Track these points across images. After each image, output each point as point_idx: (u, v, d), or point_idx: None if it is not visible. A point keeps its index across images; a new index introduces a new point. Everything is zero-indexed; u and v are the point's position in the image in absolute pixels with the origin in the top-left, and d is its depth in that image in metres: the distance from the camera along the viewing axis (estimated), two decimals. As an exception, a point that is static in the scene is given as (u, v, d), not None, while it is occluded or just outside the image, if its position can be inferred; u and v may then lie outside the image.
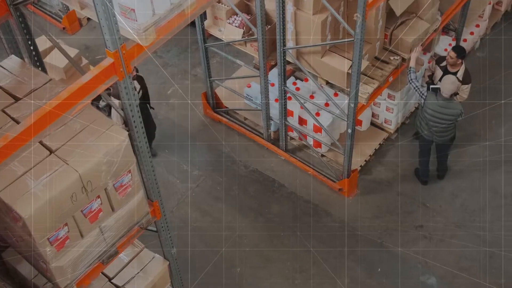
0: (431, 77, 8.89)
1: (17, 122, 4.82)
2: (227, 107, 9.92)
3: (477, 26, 10.62)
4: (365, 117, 9.38)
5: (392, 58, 8.28)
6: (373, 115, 9.62)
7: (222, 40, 8.75)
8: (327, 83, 8.18)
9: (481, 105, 9.57)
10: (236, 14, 8.41)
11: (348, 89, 7.68)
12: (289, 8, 7.63)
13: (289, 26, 7.84)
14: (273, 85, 8.99)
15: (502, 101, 9.41)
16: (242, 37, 8.40)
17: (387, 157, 9.45)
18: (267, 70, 8.44)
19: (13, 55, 5.57)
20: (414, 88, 8.23)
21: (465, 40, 10.37)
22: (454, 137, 8.85)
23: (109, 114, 9.48)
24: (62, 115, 4.44)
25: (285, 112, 8.84)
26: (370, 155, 9.37)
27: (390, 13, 8.05)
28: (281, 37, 7.79)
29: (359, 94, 7.74)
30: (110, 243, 5.45)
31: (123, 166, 5.03)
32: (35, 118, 4.28)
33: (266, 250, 8.48)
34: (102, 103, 9.26)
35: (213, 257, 8.37)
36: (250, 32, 8.35)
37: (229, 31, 8.51)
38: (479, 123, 9.51)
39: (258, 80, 8.69)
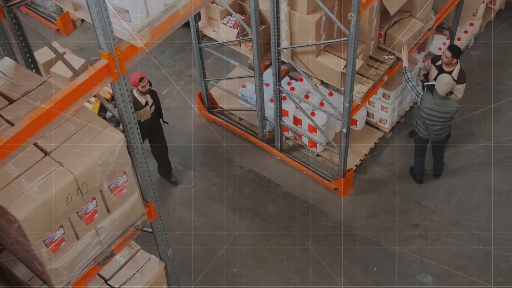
0: (426, 76, 8.90)
1: (12, 124, 4.81)
2: (222, 108, 9.91)
3: (471, 24, 10.63)
4: (360, 116, 9.39)
5: (386, 57, 8.29)
6: (368, 114, 9.63)
7: (217, 41, 8.75)
8: (322, 82, 8.18)
9: (476, 104, 9.59)
10: (230, 15, 8.40)
11: (343, 89, 7.69)
12: (283, 8, 7.63)
13: (283, 26, 7.84)
14: (268, 85, 8.99)
15: (492, 105, 9.42)
16: (237, 38, 8.40)
17: (382, 156, 9.46)
18: (262, 70, 8.44)
19: (7, 57, 5.57)
20: (411, 87, 8.24)
21: (459, 39, 10.39)
22: (449, 135, 8.87)
23: (117, 125, 9.47)
24: (57, 117, 4.43)
25: (280, 112, 8.84)
26: (365, 155, 9.37)
27: (384, 13, 8.06)
28: (276, 37, 7.79)
29: (354, 93, 7.75)
30: (106, 244, 5.44)
31: (118, 167, 5.03)
32: (29, 120, 4.27)
33: (262, 250, 8.48)
34: (109, 114, 9.25)
35: (210, 258, 8.37)
36: (245, 32, 8.34)
37: (223, 31, 8.51)
38: (474, 122, 9.52)
39: (253, 80, 8.68)
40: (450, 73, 8.49)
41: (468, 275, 8.08)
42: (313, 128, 8.94)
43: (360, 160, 9.30)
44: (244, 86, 9.57)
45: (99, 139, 4.88)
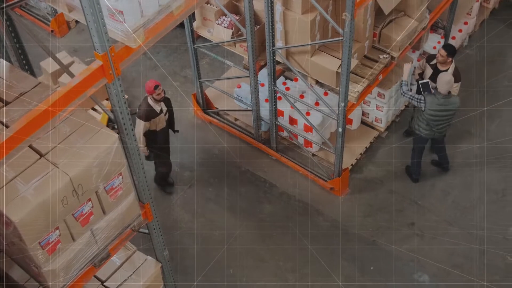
0: (421, 75, 8.91)
1: (6, 126, 4.80)
2: (217, 108, 9.91)
3: (466, 23, 10.65)
4: (355, 116, 9.39)
5: (381, 56, 8.30)
6: (363, 113, 9.64)
7: (211, 41, 8.74)
8: (317, 82, 8.18)
9: (471, 103, 9.62)
10: (225, 15, 8.40)
11: (338, 88, 7.69)
12: (278, 8, 7.63)
13: (278, 26, 7.84)
14: (263, 85, 8.99)
15: (485, 108, 9.43)
16: (231, 38, 8.39)
17: (377, 156, 9.47)
18: (257, 70, 8.44)
19: (1, 59, 5.55)
20: (409, 98, 8.22)
21: (453, 38, 10.40)
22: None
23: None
24: (52, 119, 4.43)
25: (275, 112, 8.85)
26: (361, 154, 9.38)
27: (378, 12, 8.07)
28: (270, 37, 7.79)
29: (349, 93, 7.75)
30: (102, 246, 5.44)
31: (113, 168, 5.03)
32: (24, 122, 4.27)
33: (258, 250, 8.48)
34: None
35: (206, 258, 8.37)
36: (239, 32, 8.34)
37: (218, 32, 8.51)
38: (469, 121, 9.53)
39: (248, 80, 8.68)
40: (445, 71, 8.50)
41: (464, 273, 8.09)
42: (308, 128, 8.94)
43: (356, 159, 9.31)
44: (239, 87, 9.57)
45: (95, 141, 4.87)
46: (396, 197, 8.97)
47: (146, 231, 6.18)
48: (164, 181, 9.10)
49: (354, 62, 7.84)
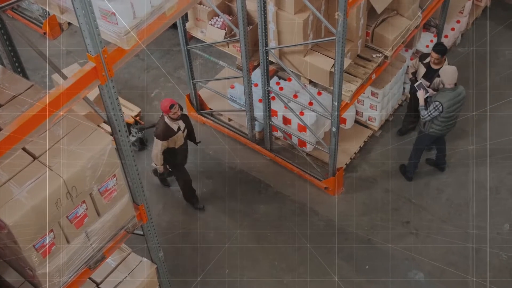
0: (415, 74, 8.92)
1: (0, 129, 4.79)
2: (211, 109, 9.90)
3: (458, 22, 10.68)
4: (349, 115, 9.40)
5: (374, 55, 8.31)
6: (357, 113, 9.65)
7: (204, 42, 8.74)
8: (311, 82, 8.19)
9: (466, 102, 9.63)
10: (218, 16, 8.40)
11: (332, 88, 7.70)
12: (271, 8, 7.63)
13: (271, 26, 7.84)
14: (256, 85, 8.99)
15: (473, 113, 9.44)
16: (224, 38, 8.39)
17: (372, 155, 9.48)
18: (250, 70, 8.44)
19: (-7, 62, 5.55)
20: (430, 115, 8.17)
21: (446, 36, 10.43)
22: None
23: (140, 149, 9.45)
24: (45, 121, 4.42)
25: (269, 112, 8.84)
26: (355, 153, 9.39)
27: (371, 11, 8.08)
28: (263, 37, 7.79)
29: (343, 92, 7.76)
30: (96, 248, 5.43)
31: (107, 170, 5.02)
32: (17, 125, 4.26)
33: (253, 250, 8.48)
34: (132, 138, 9.16)
35: (201, 259, 8.36)
36: (232, 33, 8.34)
37: (211, 32, 8.50)
38: (462, 119, 9.53)
39: (242, 81, 8.68)
40: (438, 70, 8.52)
41: (459, 271, 8.11)
42: (302, 128, 8.95)
43: (350, 158, 9.32)
44: (232, 87, 9.56)
45: (88, 142, 4.87)
46: (391, 196, 8.98)
47: (141, 232, 6.18)
48: (192, 195, 8.93)
49: (347, 62, 7.84)
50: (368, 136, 9.60)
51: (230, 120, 9.80)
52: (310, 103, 8.80)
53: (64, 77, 5.39)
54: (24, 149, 4.79)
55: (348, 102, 8.05)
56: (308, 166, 9.16)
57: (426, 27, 10.26)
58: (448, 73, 8.03)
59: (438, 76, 8.53)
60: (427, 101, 8.31)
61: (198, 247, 8.51)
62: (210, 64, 10.61)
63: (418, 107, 9.06)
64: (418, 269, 8.21)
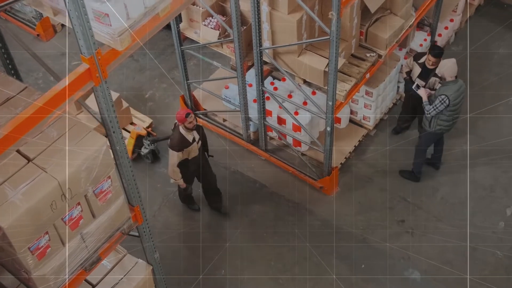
0: (409, 73, 8.93)
1: (-7, 132, 4.77)
2: (205, 109, 9.89)
3: (451, 20, 10.70)
4: (343, 114, 9.41)
5: (368, 55, 8.32)
6: (352, 112, 9.66)
7: (198, 43, 8.73)
8: (305, 82, 8.19)
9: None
10: (211, 16, 8.39)
11: (326, 87, 7.70)
12: (264, 8, 7.63)
13: (265, 26, 7.84)
14: (251, 85, 8.99)
15: (467, 115, 9.45)
16: (218, 39, 8.38)
17: (366, 154, 9.49)
18: (244, 71, 8.43)
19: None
20: (436, 110, 8.16)
21: (440, 35, 10.45)
22: None
23: (152, 162, 9.33)
24: (39, 123, 4.41)
25: (263, 112, 8.85)
26: (349, 152, 9.40)
27: (365, 10, 8.08)
28: (257, 37, 7.79)
29: (337, 91, 7.77)
30: (92, 249, 5.42)
31: (102, 172, 5.01)
32: (11, 127, 4.24)
33: (249, 250, 8.48)
34: (144, 150, 9.10)
35: (197, 260, 8.36)
36: (226, 33, 8.34)
37: (205, 33, 8.49)
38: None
39: (236, 81, 8.67)
40: (434, 69, 8.54)
41: (455, 269, 8.12)
42: (297, 128, 8.95)
43: (345, 158, 9.32)
44: (227, 87, 9.56)
45: (83, 144, 4.86)
46: (385, 195, 8.99)
47: (136, 234, 6.17)
48: (188, 196, 8.84)
49: (341, 61, 7.85)
50: (363, 136, 9.61)
51: (224, 120, 9.80)
52: (305, 103, 8.81)
53: (58, 78, 5.37)
54: (18, 151, 4.78)
55: (343, 101, 8.06)
56: (303, 166, 9.17)
57: (420, 26, 10.27)
58: (448, 66, 8.05)
59: (434, 76, 8.55)
60: (429, 98, 8.32)
61: (194, 248, 8.50)
62: (204, 65, 10.61)
63: (412, 105, 9.11)
64: (414, 267, 8.22)
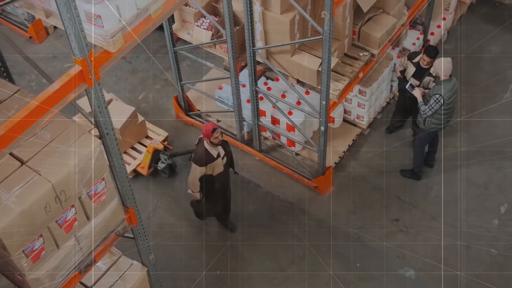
0: (403, 72, 8.94)
1: (-14, 135, 4.76)
2: (199, 110, 9.89)
3: (444, 19, 10.72)
4: (337, 114, 9.42)
5: (361, 54, 8.33)
6: (345, 111, 9.67)
7: (191, 43, 8.73)
8: (298, 81, 8.20)
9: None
10: (204, 17, 8.39)
11: (319, 87, 7.71)
12: (257, 8, 7.63)
13: (258, 27, 7.84)
14: (244, 86, 8.99)
15: (459, 119, 9.47)
16: (211, 39, 8.38)
17: (360, 153, 9.50)
18: (238, 71, 8.43)
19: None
20: (431, 110, 8.17)
21: (432, 34, 10.47)
22: None
23: (169, 176, 9.18)
24: (32, 126, 4.39)
25: (257, 113, 8.85)
26: (344, 152, 9.41)
27: (357, 10, 8.09)
28: (250, 37, 7.79)
29: (330, 91, 7.77)
30: (87, 252, 5.41)
31: (96, 174, 5.00)
32: (4, 130, 4.23)
33: (244, 250, 8.47)
34: (161, 165, 9.00)
35: (192, 261, 8.35)
36: (219, 34, 8.33)
37: (197, 33, 8.49)
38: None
39: (229, 81, 8.67)
40: (428, 69, 8.56)
41: (449, 267, 8.14)
42: (291, 127, 8.95)
43: (339, 157, 9.33)
44: (220, 88, 9.56)
45: (76, 146, 4.85)
46: (380, 194, 9.00)
47: (131, 235, 6.16)
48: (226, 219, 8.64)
49: (334, 60, 7.86)
50: (357, 135, 9.62)
51: (218, 121, 9.80)
52: (298, 103, 8.81)
53: (51, 81, 5.36)
54: (11, 154, 4.77)
55: (336, 101, 8.06)
56: (297, 166, 9.17)
57: (412, 24, 10.29)
58: (444, 65, 8.05)
59: (429, 75, 8.56)
60: (424, 97, 8.33)
61: (187, 249, 8.50)
62: (198, 66, 10.60)
63: (405, 104, 9.12)
64: (409, 266, 8.23)
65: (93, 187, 5.06)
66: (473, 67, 10.37)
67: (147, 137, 9.47)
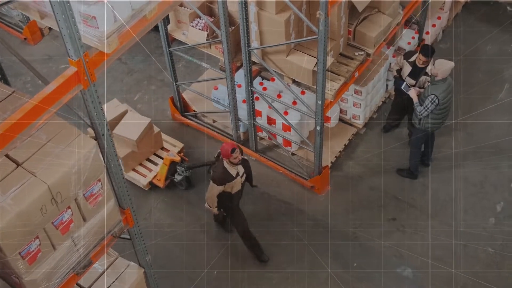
0: (399, 71, 8.94)
1: (-19, 137, 4.75)
2: (195, 111, 9.88)
3: (439, 18, 10.73)
4: (333, 113, 9.42)
5: (356, 53, 8.33)
6: (341, 111, 9.67)
7: (187, 44, 8.72)
8: (294, 81, 8.19)
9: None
10: (199, 17, 8.39)
11: (315, 87, 7.71)
12: (252, 8, 7.63)
13: (253, 27, 7.84)
14: (240, 86, 8.99)
15: (453, 121, 9.47)
16: (207, 40, 8.38)
17: (357, 152, 9.51)
18: (233, 71, 8.43)
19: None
20: (427, 110, 8.19)
21: (427, 33, 10.47)
22: None
23: (186, 188, 9.04)
24: (28, 127, 4.39)
25: (253, 113, 8.85)
26: (340, 151, 9.41)
27: (352, 9, 8.10)
28: (245, 38, 7.79)
29: (326, 90, 7.77)
30: (83, 253, 5.41)
31: (92, 175, 5.00)
32: (-1, 131, 4.23)
33: (241, 250, 8.47)
34: (178, 177, 8.89)
35: (189, 261, 8.34)
36: (214, 34, 8.33)
37: (193, 34, 8.49)
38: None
39: (225, 82, 8.67)
40: (424, 68, 8.57)
41: (446, 266, 8.15)
42: (287, 127, 8.95)
43: (335, 157, 9.34)
44: (216, 88, 9.55)
45: (72, 147, 4.84)
46: (376, 193, 9.01)
47: (128, 236, 6.16)
48: (254, 244, 8.34)
49: (330, 60, 7.86)
50: (353, 134, 9.63)
51: (214, 121, 9.79)
52: (294, 103, 8.81)
53: (46, 82, 5.35)
54: (7, 155, 4.76)
55: (332, 100, 8.07)
56: (294, 166, 9.18)
57: (408, 24, 10.30)
58: (445, 66, 8.04)
59: (424, 74, 8.57)
60: (419, 97, 8.34)
61: (184, 249, 8.49)
62: (193, 66, 10.60)
63: (401, 104, 9.12)
64: (406, 265, 8.24)
65: (89, 188, 5.06)
66: (468, 66, 10.38)
67: (162, 148, 9.30)
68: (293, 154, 9.31)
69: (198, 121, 9.85)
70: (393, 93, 9.70)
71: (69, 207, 4.95)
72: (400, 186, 9.06)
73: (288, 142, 9.23)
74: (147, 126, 8.75)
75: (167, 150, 9.17)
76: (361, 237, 8.55)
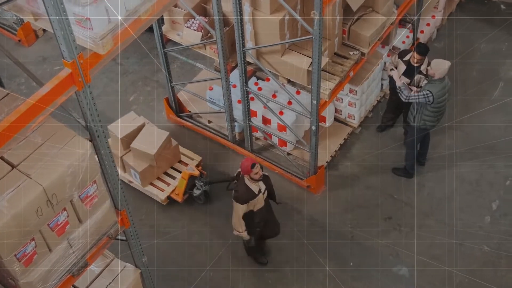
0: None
1: (-24, 139, 4.74)
2: (190, 111, 9.87)
3: (433, 17, 10.74)
4: (328, 113, 9.42)
5: (351, 53, 8.34)
6: (336, 110, 9.67)
7: (181, 45, 8.71)
8: (289, 81, 8.20)
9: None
10: (194, 18, 8.38)
11: (310, 87, 7.71)
12: (246, 8, 7.63)
13: (248, 27, 7.84)
14: (235, 86, 8.98)
15: (447, 124, 9.49)
16: (201, 40, 8.38)
17: (352, 152, 9.52)
18: (228, 71, 8.43)
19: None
20: (416, 99, 8.18)
21: (422, 32, 10.49)
22: None
23: (204, 203, 8.89)
24: (22, 129, 4.38)
25: (248, 113, 8.84)
26: (335, 151, 9.42)
27: (347, 9, 8.11)
28: (240, 38, 7.79)
29: (321, 90, 7.78)
30: (79, 255, 5.40)
31: (87, 176, 4.99)
32: (-6, 134, 4.22)
33: (237, 251, 8.47)
34: (196, 191, 8.77)
35: (186, 262, 8.34)
36: (209, 34, 8.33)
37: (187, 35, 8.48)
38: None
39: (220, 82, 8.67)
40: (419, 67, 8.58)
41: (443, 264, 8.17)
42: (282, 127, 8.96)
43: (331, 156, 9.34)
44: (211, 89, 9.54)
45: (67, 149, 4.83)
46: (372, 192, 9.02)
47: (124, 238, 6.15)
48: (257, 249, 8.32)
49: (324, 60, 7.86)
50: (348, 134, 9.63)
51: (209, 122, 9.79)
52: (289, 103, 8.82)
53: (41, 84, 5.34)
54: (2, 157, 4.75)
55: (327, 100, 8.07)
56: (289, 166, 9.18)
57: (402, 23, 10.30)
58: (443, 68, 8.06)
59: (419, 73, 8.59)
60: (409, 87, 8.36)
61: (181, 250, 8.49)
62: (188, 67, 10.59)
63: (397, 103, 9.12)
64: (403, 264, 8.25)
65: (84, 190, 5.05)
66: (463, 65, 10.38)
67: (180, 161, 9.15)
68: (288, 154, 9.31)
69: (194, 121, 9.84)
70: (388, 92, 9.71)
71: (64, 209, 4.95)
72: (396, 185, 9.07)
73: (283, 142, 9.23)
74: (166, 140, 8.60)
75: (185, 164, 9.01)
76: (358, 236, 8.55)
